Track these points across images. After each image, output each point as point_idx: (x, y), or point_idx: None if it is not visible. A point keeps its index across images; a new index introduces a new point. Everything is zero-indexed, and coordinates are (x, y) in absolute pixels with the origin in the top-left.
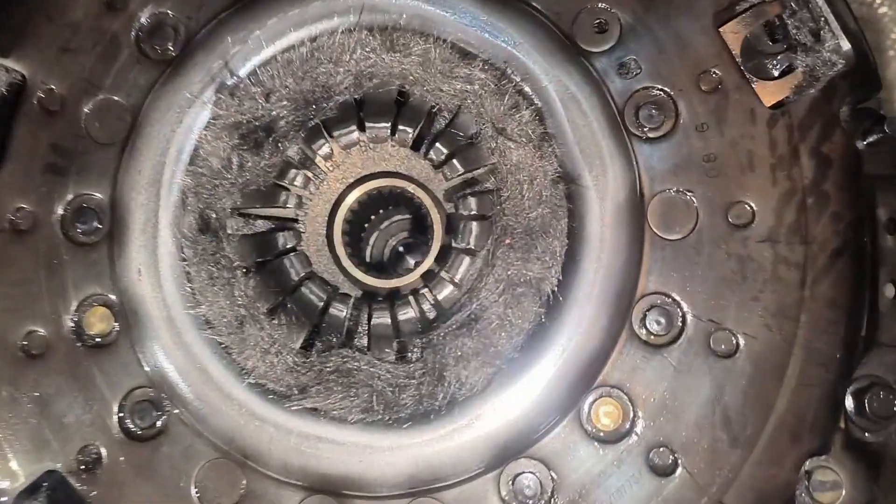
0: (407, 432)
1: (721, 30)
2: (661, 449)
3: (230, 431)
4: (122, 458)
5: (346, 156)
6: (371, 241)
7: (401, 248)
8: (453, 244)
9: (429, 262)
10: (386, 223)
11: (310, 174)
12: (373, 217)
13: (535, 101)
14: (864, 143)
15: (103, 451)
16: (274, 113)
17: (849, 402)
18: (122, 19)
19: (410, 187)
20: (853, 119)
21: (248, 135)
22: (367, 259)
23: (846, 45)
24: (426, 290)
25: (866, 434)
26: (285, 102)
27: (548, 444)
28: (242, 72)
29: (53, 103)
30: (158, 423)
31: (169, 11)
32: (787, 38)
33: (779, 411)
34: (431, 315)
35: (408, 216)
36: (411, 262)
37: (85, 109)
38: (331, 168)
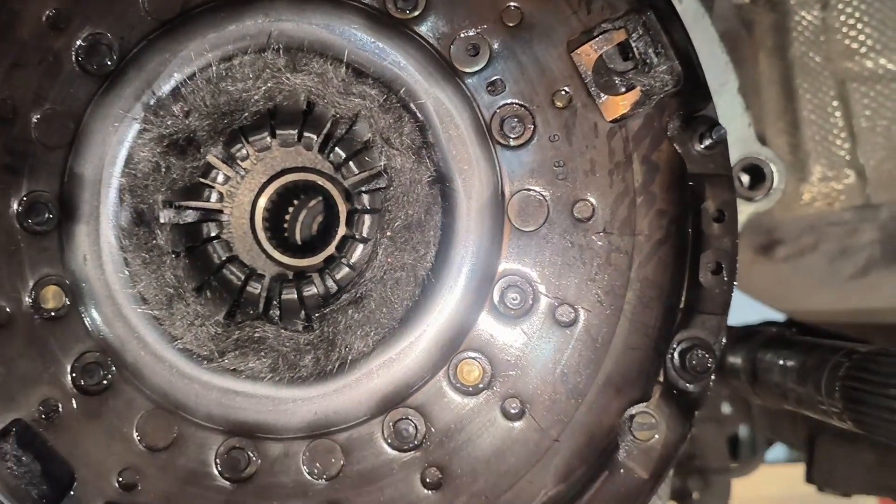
0: (307, 387)
1: (573, 54)
2: (512, 400)
3: (163, 387)
4: (75, 409)
5: (264, 156)
6: (299, 224)
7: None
8: (351, 233)
9: (330, 250)
10: (308, 207)
11: (232, 172)
12: (295, 203)
13: (417, 114)
14: (702, 146)
15: (60, 404)
16: (193, 126)
17: (675, 359)
18: (64, 38)
19: (321, 180)
20: (687, 126)
21: (172, 144)
22: (299, 240)
23: (678, 68)
24: (327, 272)
25: (688, 385)
26: (203, 116)
27: (422, 396)
28: (166, 88)
29: (7, 112)
30: (105, 381)
31: (105, 32)
32: (634, 59)
33: (607, 369)
34: (333, 290)
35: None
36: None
37: (34, 118)
38: (252, 165)
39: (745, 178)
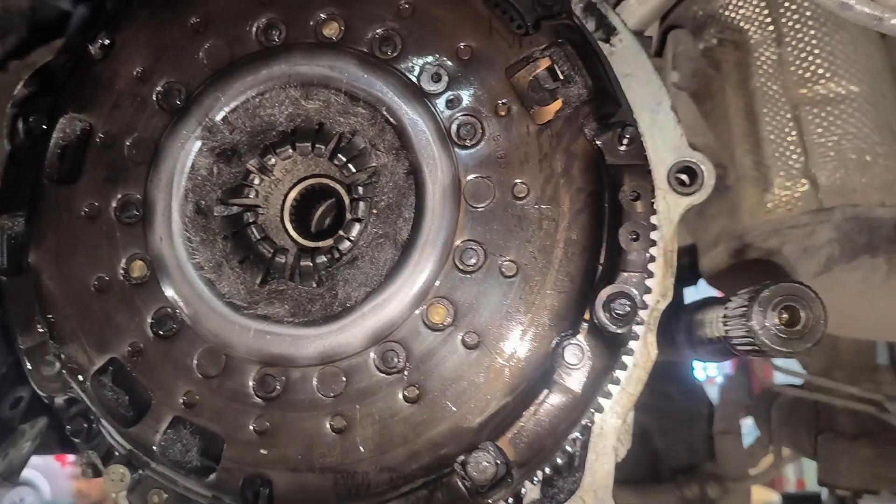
0: (317, 327)
1: (511, 78)
2: (470, 334)
3: (215, 330)
4: (153, 350)
5: (290, 164)
6: (316, 218)
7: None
8: (351, 216)
9: (340, 232)
10: (323, 206)
11: (265, 177)
12: (315, 202)
13: (395, 126)
14: (623, 146)
15: (143, 346)
16: (236, 140)
17: (601, 307)
18: (148, 87)
19: (331, 183)
20: (607, 128)
21: (221, 154)
22: (313, 229)
23: (590, 82)
24: (334, 246)
25: (615, 329)
26: (244, 134)
27: (402, 332)
28: (218, 117)
29: (108, 140)
30: (174, 328)
31: (176, 80)
32: (560, 79)
33: (540, 308)
34: (336, 256)
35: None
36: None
37: (126, 143)
38: (282, 174)
39: (685, 178)
